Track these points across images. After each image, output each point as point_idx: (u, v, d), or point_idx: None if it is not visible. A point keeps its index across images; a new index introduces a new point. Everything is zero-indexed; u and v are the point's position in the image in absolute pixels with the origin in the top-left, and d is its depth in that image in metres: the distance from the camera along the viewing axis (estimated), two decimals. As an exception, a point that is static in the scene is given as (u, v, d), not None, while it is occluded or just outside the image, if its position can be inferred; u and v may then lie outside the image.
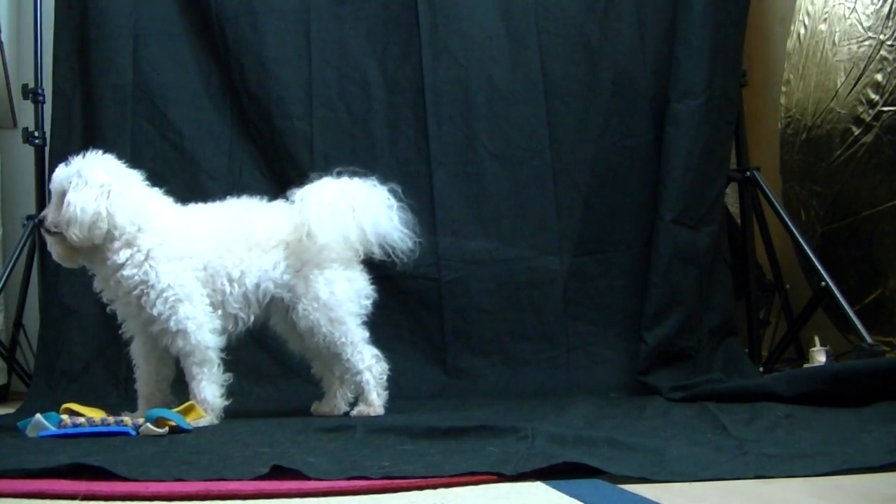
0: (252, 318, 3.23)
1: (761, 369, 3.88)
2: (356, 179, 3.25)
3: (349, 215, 3.17)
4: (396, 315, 4.03)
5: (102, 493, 1.92)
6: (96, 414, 2.93)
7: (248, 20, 4.15)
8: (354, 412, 3.18)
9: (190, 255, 3.11)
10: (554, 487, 1.89)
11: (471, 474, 2.00)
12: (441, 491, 1.92)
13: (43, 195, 4.27)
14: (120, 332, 3.25)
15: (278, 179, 4.00)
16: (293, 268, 3.20)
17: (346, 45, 4.18)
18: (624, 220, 4.05)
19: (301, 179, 3.59)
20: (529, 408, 3.23)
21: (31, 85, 4.38)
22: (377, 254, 3.27)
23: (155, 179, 3.62)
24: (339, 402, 3.33)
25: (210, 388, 3.08)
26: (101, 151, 3.20)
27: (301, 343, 3.34)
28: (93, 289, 3.20)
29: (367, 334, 3.25)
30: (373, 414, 3.18)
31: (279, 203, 3.32)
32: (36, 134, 4.31)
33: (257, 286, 3.17)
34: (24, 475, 2.11)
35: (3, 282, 4.21)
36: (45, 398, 3.92)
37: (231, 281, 3.14)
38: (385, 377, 3.24)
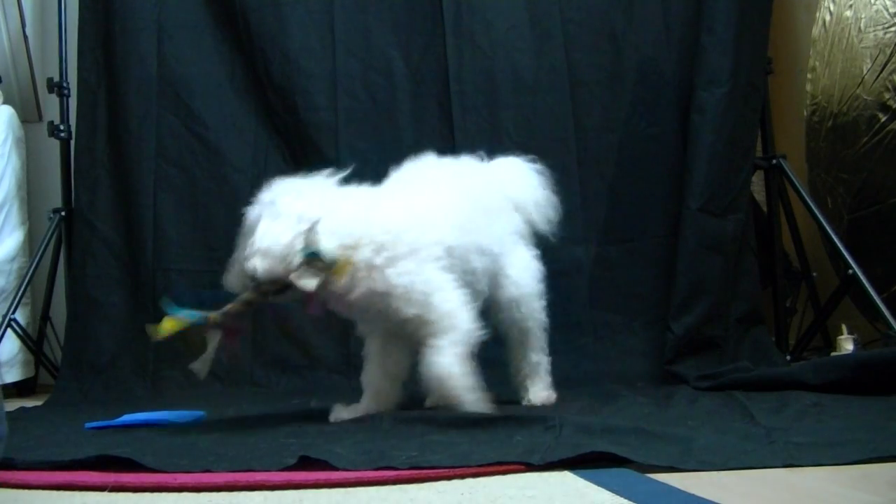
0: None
1: (788, 358, 3.87)
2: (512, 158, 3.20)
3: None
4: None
5: (130, 485, 1.93)
6: None
7: (271, 11, 4.16)
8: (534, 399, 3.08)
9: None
10: (581, 477, 1.89)
11: (498, 464, 2.00)
12: (469, 481, 1.93)
13: (68, 188, 4.29)
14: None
15: (304, 170, 4.00)
16: (500, 240, 3.07)
17: (370, 35, 4.19)
18: (649, 209, 4.04)
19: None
20: (556, 397, 3.23)
21: (56, 78, 4.40)
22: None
23: (180, 171, 3.63)
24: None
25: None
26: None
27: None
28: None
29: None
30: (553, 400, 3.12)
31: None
32: (61, 127, 4.34)
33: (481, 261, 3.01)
34: (52, 467, 2.13)
35: (30, 275, 4.24)
36: (72, 391, 3.95)
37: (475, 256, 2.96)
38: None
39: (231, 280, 2.80)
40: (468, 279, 2.91)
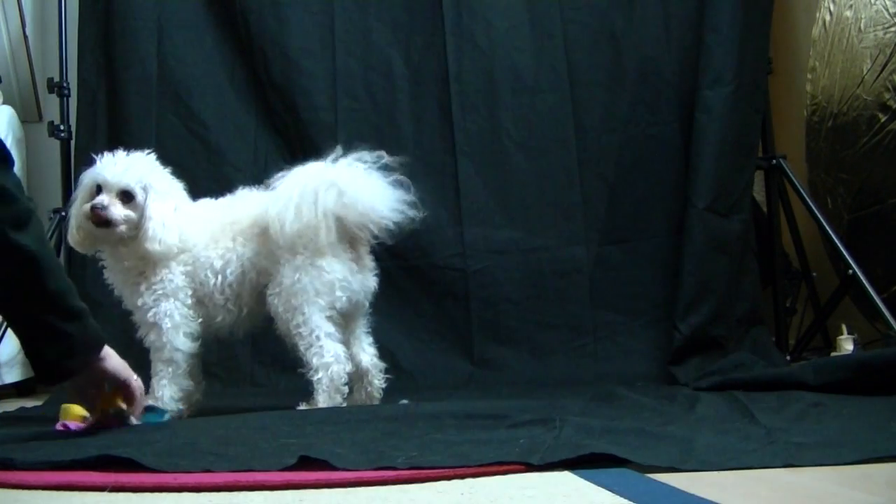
0: (244, 308, 3.17)
1: (788, 358, 3.87)
2: (342, 160, 3.11)
3: (317, 201, 2.99)
4: (422, 305, 4.04)
5: (131, 485, 1.93)
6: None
7: (271, 11, 4.16)
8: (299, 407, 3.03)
9: (183, 249, 3.08)
10: (582, 477, 1.89)
11: (498, 464, 1.99)
12: (469, 481, 1.92)
13: (69, 188, 4.29)
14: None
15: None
16: (272, 254, 3.09)
17: (370, 35, 4.19)
18: (650, 209, 4.04)
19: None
20: (556, 397, 3.22)
21: (56, 78, 4.40)
22: (367, 235, 3.10)
23: (180, 172, 3.63)
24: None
25: (170, 389, 3.06)
26: (147, 152, 3.18)
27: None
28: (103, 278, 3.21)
29: (331, 329, 3.06)
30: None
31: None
32: (61, 127, 4.33)
33: (242, 275, 3.12)
34: (52, 467, 2.12)
35: (30, 275, 4.23)
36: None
37: (214, 273, 3.10)
38: (344, 380, 3.03)
39: (74, 236, 3.11)
40: (204, 292, 3.14)
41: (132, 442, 2.37)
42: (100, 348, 2.53)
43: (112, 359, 2.58)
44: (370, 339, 3.25)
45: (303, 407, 3.00)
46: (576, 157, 4.08)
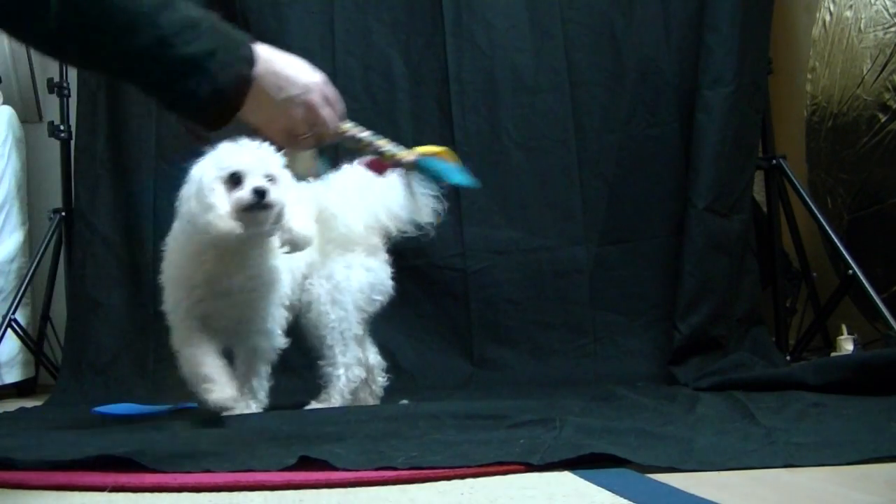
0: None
1: (788, 358, 3.87)
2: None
3: (374, 200, 3.03)
4: (422, 305, 4.03)
5: (130, 485, 1.93)
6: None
7: (271, 11, 4.16)
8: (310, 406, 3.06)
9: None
10: (582, 477, 1.89)
11: (498, 464, 1.99)
12: (469, 481, 1.92)
13: (69, 188, 4.29)
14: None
15: (304, 170, 4.01)
16: (322, 247, 3.07)
17: (370, 35, 4.19)
18: (649, 209, 4.04)
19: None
20: (556, 397, 3.22)
21: (56, 78, 4.41)
22: (397, 235, 3.12)
23: (180, 171, 3.64)
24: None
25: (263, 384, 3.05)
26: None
27: None
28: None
29: (360, 332, 3.10)
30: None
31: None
32: (61, 128, 4.34)
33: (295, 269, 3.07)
34: (52, 467, 2.12)
35: (30, 275, 4.24)
36: (72, 391, 3.95)
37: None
38: (356, 384, 3.08)
39: (227, 223, 2.73)
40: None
41: (132, 442, 2.37)
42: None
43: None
44: (371, 339, 3.26)
45: (314, 405, 3.03)
46: (576, 157, 4.08)
